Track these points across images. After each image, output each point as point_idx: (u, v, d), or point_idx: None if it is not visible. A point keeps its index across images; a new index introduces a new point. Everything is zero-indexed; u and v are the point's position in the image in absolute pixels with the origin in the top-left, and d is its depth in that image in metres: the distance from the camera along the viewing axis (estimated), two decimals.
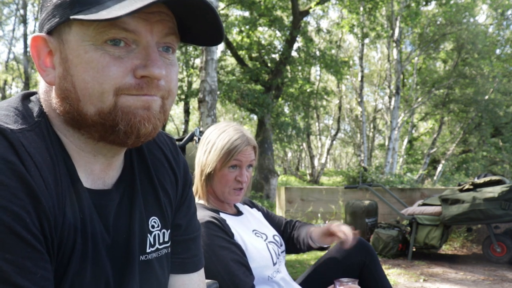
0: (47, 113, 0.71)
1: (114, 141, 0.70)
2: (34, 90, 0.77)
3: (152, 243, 0.82)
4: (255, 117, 14.28)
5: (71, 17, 0.64)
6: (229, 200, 1.53)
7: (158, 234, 0.83)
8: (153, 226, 0.82)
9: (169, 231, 0.87)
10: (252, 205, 1.75)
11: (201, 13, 0.69)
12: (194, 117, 21.73)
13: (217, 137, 1.51)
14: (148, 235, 0.81)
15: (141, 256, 0.79)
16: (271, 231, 1.63)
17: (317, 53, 12.90)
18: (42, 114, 0.70)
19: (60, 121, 0.71)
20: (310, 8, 11.65)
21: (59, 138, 0.71)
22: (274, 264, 1.50)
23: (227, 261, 1.34)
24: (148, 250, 0.81)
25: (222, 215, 1.50)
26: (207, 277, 1.27)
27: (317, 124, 22.88)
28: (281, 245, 1.61)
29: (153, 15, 0.67)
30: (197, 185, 1.54)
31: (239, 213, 1.62)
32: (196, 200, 1.55)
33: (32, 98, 0.74)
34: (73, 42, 0.66)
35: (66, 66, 0.67)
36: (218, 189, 1.51)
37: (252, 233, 1.54)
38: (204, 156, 1.51)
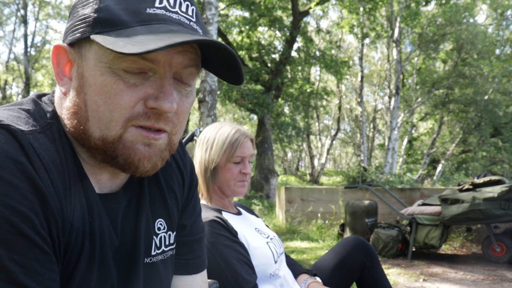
0: (60, 116, 0.71)
1: (113, 167, 0.70)
2: (46, 92, 0.76)
3: (158, 245, 0.82)
4: (255, 117, 14.30)
5: (91, 36, 0.63)
6: (236, 193, 1.56)
7: (164, 236, 0.83)
8: (159, 229, 0.82)
9: (174, 233, 0.86)
10: (251, 213, 1.77)
11: (223, 55, 0.68)
12: (194, 117, 21.71)
13: (215, 133, 1.55)
14: (154, 237, 0.81)
15: (146, 259, 0.79)
16: (271, 232, 1.65)
17: (317, 53, 12.91)
18: (55, 116, 0.70)
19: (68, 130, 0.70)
20: (310, 8, 11.65)
21: (70, 142, 0.70)
22: (276, 262, 1.51)
23: (230, 259, 1.35)
24: (153, 253, 0.81)
25: (224, 214, 1.52)
26: (210, 276, 1.27)
27: (317, 124, 22.89)
28: (281, 246, 1.62)
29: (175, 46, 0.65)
30: (200, 184, 1.56)
31: (239, 213, 1.64)
32: None
33: (45, 99, 0.73)
34: (91, 61, 0.65)
35: (81, 83, 0.67)
36: (224, 183, 1.54)
37: (254, 231, 1.56)
38: (206, 153, 1.54)
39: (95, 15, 0.64)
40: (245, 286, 1.33)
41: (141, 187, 0.80)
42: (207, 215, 1.41)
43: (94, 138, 0.67)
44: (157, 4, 0.65)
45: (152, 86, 0.66)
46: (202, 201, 1.56)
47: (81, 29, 0.66)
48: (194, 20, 0.69)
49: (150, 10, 0.65)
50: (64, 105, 0.70)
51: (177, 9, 0.67)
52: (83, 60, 0.67)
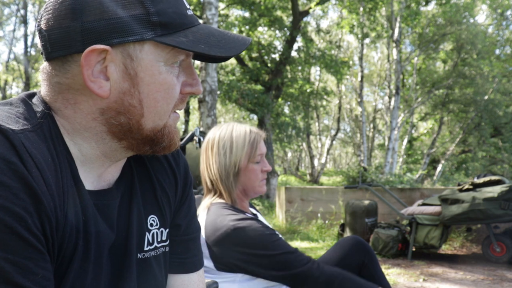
0: (54, 116, 0.71)
1: (147, 151, 0.76)
2: (35, 90, 0.76)
3: (151, 241, 0.83)
4: (255, 117, 14.28)
5: (161, 39, 0.67)
6: (259, 191, 1.57)
7: (157, 233, 0.84)
8: (151, 225, 0.83)
9: (167, 230, 0.87)
10: (259, 212, 1.77)
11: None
12: (194, 117, 21.72)
13: (230, 135, 1.52)
14: (147, 233, 0.82)
15: (138, 254, 0.80)
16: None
17: (317, 53, 12.91)
18: (45, 115, 0.70)
19: (73, 128, 0.70)
20: (310, 8, 11.65)
21: (64, 140, 0.70)
22: None
23: (283, 248, 1.42)
24: (146, 248, 0.81)
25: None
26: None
27: (317, 124, 22.88)
28: None
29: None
30: (221, 189, 1.52)
31: (254, 214, 1.65)
32: (222, 203, 1.52)
33: (34, 100, 0.73)
34: (146, 61, 0.68)
35: (135, 83, 0.69)
36: (249, 184, 1.53)
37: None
38: (226, 157, 1.50)
39: (155, 18, 0.67)
40: (301, 258, 1.41)
41: (132, 183, 0.81)
42: (239, 217, 1.43)
43: (146, 130, 0.72)
44: (187, 5, 0.73)
45: (183, 74, 0.75)
46: (228, 208, 1.49)
47: (137, 32, 0.66)
48: None
49: (188, 12, 0.72)
50: (96, 107, 0.69)
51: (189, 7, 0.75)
52: (134, 61, 0.68)
